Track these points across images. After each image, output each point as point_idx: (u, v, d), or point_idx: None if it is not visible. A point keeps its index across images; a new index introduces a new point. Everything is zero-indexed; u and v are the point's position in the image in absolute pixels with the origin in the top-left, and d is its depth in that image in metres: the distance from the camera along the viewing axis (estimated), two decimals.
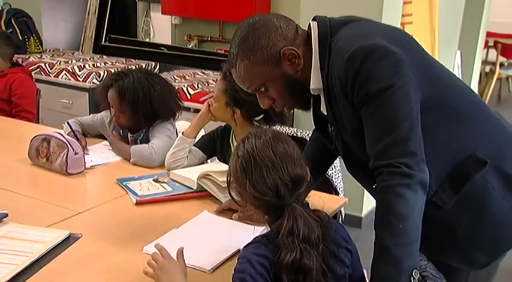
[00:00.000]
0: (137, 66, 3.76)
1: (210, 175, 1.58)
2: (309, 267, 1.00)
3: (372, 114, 1.10)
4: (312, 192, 1.15)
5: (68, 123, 2.02)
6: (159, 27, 4.08)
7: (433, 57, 1.29)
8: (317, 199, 1.16)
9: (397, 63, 1.09)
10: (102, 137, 2.18)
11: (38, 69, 3.62)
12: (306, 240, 1.02)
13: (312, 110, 1.34)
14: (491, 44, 5.84)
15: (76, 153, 1.74)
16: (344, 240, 1.12)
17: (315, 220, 1.05)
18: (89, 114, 2.28)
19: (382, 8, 2.55)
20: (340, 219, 1.87)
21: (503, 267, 1.29)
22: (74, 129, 1.99)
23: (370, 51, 1.09)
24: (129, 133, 2.02)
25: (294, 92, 1.24)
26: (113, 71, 3.49)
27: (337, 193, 1.85)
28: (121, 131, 2.04)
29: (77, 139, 1.91)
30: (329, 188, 1.82)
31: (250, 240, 1.33)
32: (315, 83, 1.21)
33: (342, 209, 1.89)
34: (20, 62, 3.69)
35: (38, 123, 2.71)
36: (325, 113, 1.27)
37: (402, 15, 2.85)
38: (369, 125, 1.12)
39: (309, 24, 1.23)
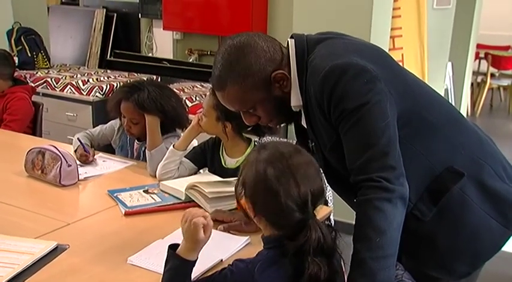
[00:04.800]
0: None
1: (197, 186, 1.60)
2: None
3: (349, 131, 1.11)
4: None
5: (77, 138, 2.04)
6: (161, 42, 4.18)
7: (411, 71, 1.30)
8: None
9: (371, 80, 1.10)
10: (106, 149, 2.21)
11: (45, 84, 3.70)
12: (327, 254, 1.03)
13: (294, 123, 1.36)
14: (482, 55, 5.94)
15: (69, 165, 1.78)
16: None
17: (329, 232, 1.06)
18: (93, 126, 2.32)
19: (371, 21, 2.56)
20: None
21: (489, 269, 1.29)
22: (83, 142, 2.02)
23: (344, 70, 1.10)
24: (136, 140, 2.08)
25: (281, 110, 1.26)
26: (115, 84, 3.56)
27: (326, 202, 1.86)
28: (128, 138, 2.10)
29: (86, 151, 1.97)
30: None
31: (233, 250, 1.36)
32: (295, 100, 1.23)
33: (332, 217, 1.90)
34: (28, 78, 3.79)
35: (41, 136, 2.76)
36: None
37: (392, 29, 2.88)
38: (347, 142, 1.13)
39: (287, 42, 1.25)
